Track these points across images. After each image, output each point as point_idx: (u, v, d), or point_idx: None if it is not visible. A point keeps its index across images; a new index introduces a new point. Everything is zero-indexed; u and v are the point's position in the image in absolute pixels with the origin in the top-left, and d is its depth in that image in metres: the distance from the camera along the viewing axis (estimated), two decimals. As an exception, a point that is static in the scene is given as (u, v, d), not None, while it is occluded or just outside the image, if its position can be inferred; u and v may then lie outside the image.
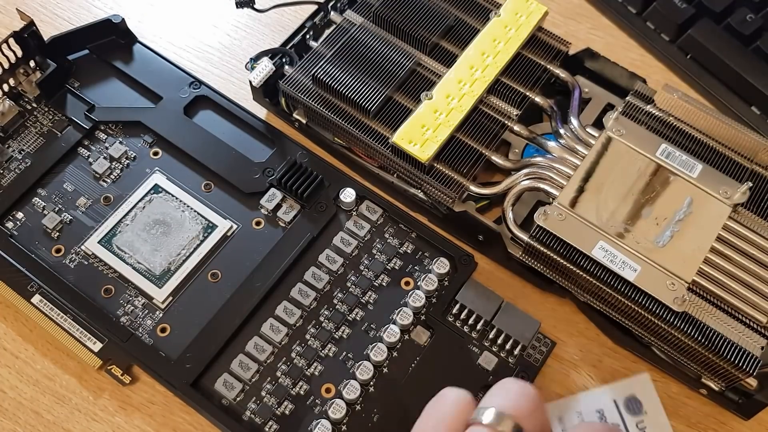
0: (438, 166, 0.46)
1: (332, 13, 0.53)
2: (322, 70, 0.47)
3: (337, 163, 0.51)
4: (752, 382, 0.41)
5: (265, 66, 0.49)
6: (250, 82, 0.49)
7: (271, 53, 0.50)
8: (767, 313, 0.41)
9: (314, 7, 0.53)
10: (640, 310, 0.41)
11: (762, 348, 0.40)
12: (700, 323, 0.40)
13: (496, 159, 0.47)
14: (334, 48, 0.49)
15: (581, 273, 0.42)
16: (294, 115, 0.51)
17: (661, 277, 0.41)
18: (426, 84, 0.48)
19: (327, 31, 0.51)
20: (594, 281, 0.42)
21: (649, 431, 0.43)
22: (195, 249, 0.46)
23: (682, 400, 0.44)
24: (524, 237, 0.44)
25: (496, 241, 0.46)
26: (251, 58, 0.49)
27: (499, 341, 0.44)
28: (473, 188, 0.46)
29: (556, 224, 0.43)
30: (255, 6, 0.51)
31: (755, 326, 0.40)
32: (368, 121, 0.47)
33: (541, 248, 0.43)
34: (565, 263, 0.43)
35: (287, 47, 0.51)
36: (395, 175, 0.49)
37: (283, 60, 0.51)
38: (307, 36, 0.52)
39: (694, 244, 0.42)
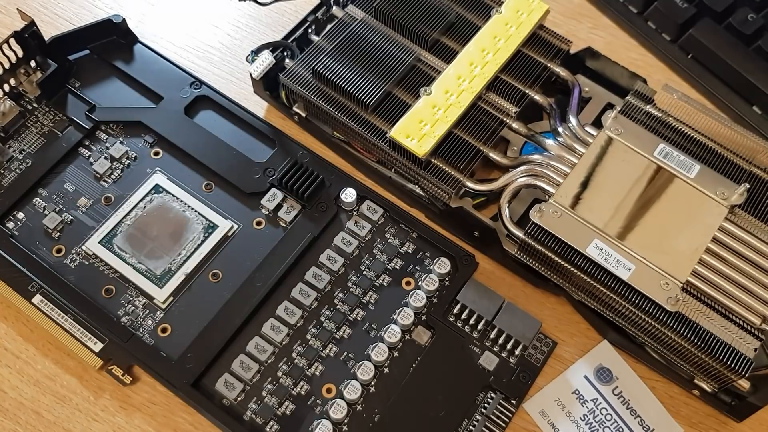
0: (435, 162, 0.46)
1: (334, 7, 0.53)
2: (323, 63, 0.48)
3: (336, 157, 0.51)
4: (745, 384, 0.41)
5: (266, 58, 0.49)
6: (251, 74, 0.49)
7: (273, 46, 0.50)
8: (761, 315, 0.41)
9: (317, 2, 0.53)
10: (633, 309, 0.41)
11: (755, 350, 0.40)
12: (693, 324, 0.40)
13: (494, 156, 0.47)
14: (335, 42, 0.49)
15: (576, 271, 0.42)
16: (294, 108, 0.51)
17: (655, 276, 0.41)
18: (425, 80, 0.48)
19: (329, 26, 0.51)
20: (588, 279, 0.42)
21: (626, 394, 0.44)
22: (196, 249, 0.46)
23: (684, 400, 0.44)
24: (519, 234, 0.44)
25: (492, 237, 0.46)
26: (252, 51, 0.49)
27: (500, 341, 0.44)
28: (470, 184, 0.46)
29: (552, 221, 0.43)
30: None
31: (748, 328, 0.40)
32: (367, 115, 0.47)
33: (536, 245, 0.43)
34: (559, 261, 0.43)
35: (289, 41, 0.51)
36: (393, 170, 0.49)
37: (284, 53, 0.51)
38: (309, 30, 0.52)
39: (689, 244, 0.42)
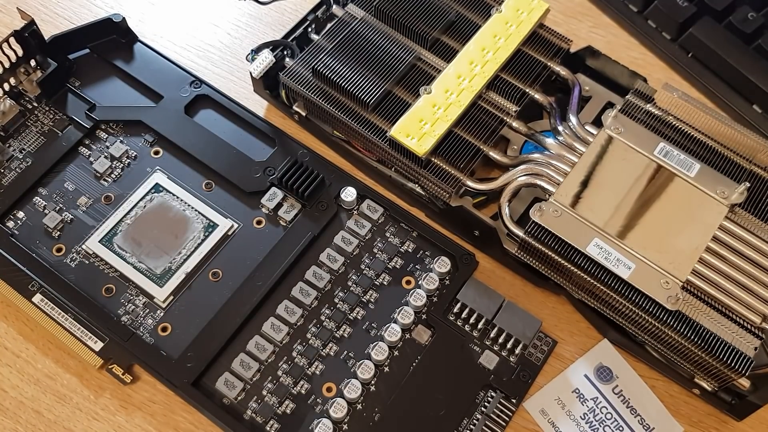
0: (435, 161, 0.46)
1: (334, 6, 0.53)
2: (323, 62, 0.48)
3: (336, 156, 0.51)
4: (745, 382, 0.41)
5: (266, 57, 0.49)
6: (251, 73, 0.49)
7: (273, 45, 0.50)
8: (761, 313, 0.41)
9: (317, 0, 0.53)
10: (633, 308, 0.41)
11: (755, 349, 0.40)
12: (693, 322, 0.40)
13: (494, 155, 0.47)
14: (335, 41, 0.49)
15: (576, 270, 0.42)
16: (294, 107, 0.51)
17: (655, 275, 0.41)
18: (426, 78, 0.48)
19: (329, 25, 0.51)
20: (588, 278, 0.42)
21: (626, 393, 0.44)
22: (196, 248, 0.46)
23: (684, 399, 0.44)
24: (520, 233, 0.44)
25: (492, 236, 0.46)
26: (252, 50, 0.49)
27: (501, 340, 0.44)
28: (470, 183, 0.46)
29: (552, 220, 0.43)
30: None
31: (749, 327, 0.40)
32: (367, 114, 0.47)
33: (537, 244, 0.43)
34: (559, 260, 0.43)
35: (289, 40, 0.51)
36: (393, 169, 0.49)
37: (284, 52, 0.51)
38: (309, 29, 0.52)
39: (689, 243, 0.42)
